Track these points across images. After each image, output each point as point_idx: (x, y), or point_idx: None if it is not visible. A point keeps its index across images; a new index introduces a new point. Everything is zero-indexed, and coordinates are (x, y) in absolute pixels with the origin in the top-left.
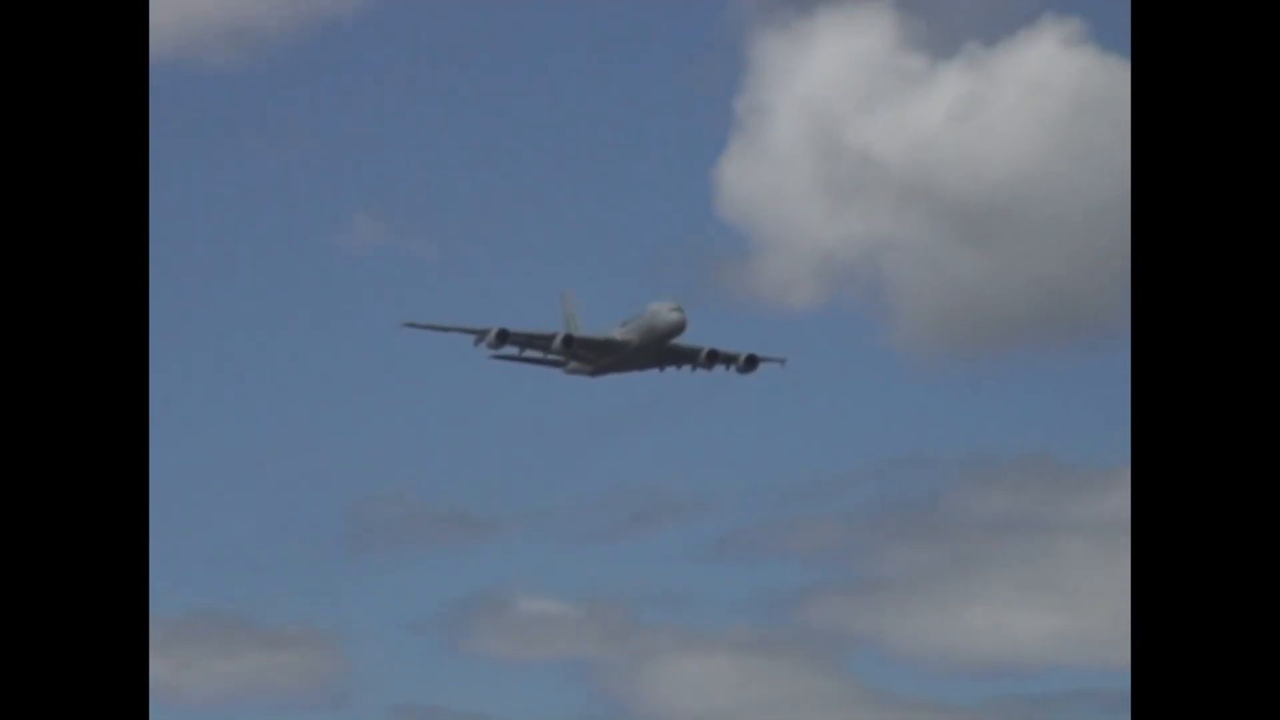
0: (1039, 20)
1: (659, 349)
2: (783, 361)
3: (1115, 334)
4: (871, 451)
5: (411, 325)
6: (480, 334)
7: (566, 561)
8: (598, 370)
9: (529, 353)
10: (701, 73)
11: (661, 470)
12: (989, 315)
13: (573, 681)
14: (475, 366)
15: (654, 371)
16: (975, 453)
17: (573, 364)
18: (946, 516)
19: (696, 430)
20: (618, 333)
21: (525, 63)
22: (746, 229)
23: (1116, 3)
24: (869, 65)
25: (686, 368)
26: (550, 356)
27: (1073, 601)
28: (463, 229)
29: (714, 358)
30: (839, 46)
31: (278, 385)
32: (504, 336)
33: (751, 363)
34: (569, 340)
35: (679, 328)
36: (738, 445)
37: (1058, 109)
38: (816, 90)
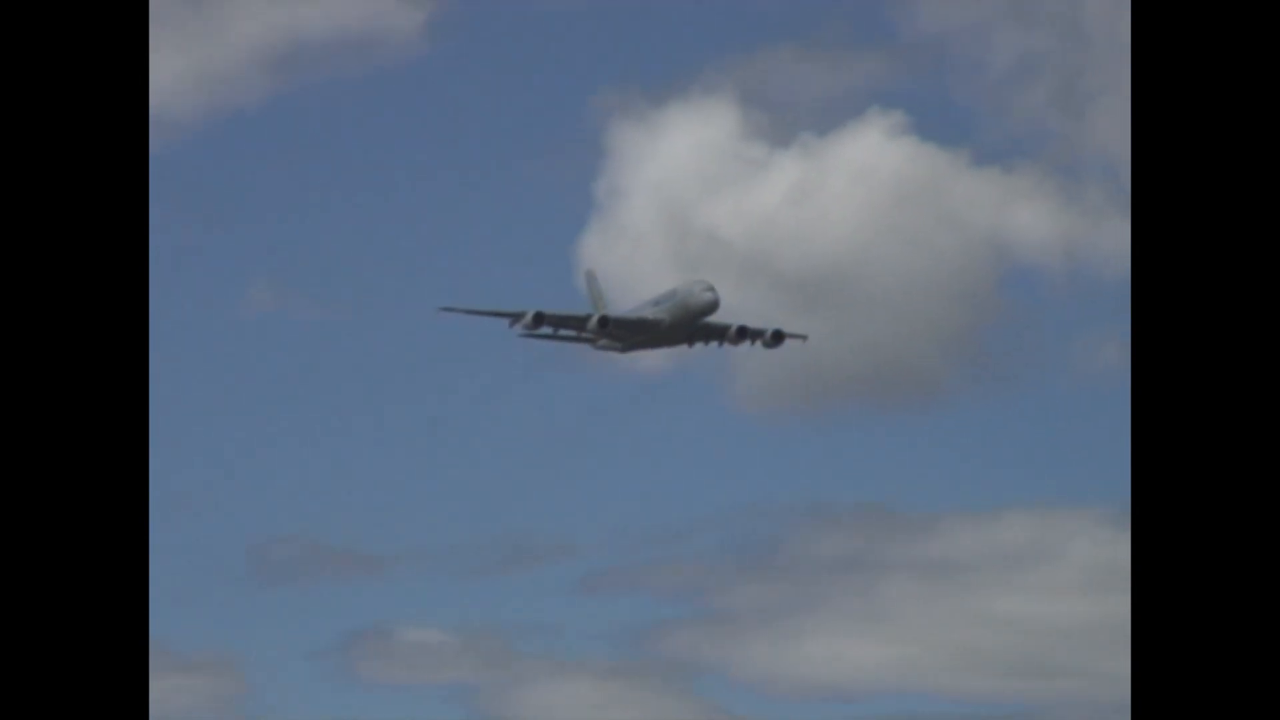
0: (866, 113)
1: (690, 326)
2: (804, 338)
3: (933, 394)
4: (720, 499)
5: (449, 310)
6: (516, 316)
7: (449, 596)
8: (628, 348)
9: (562, 332)
10: (566, 158)
11: (534, 515)
12: (822, 377)
13: (453, 704)
14: (353, 414)
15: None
16: (812, 501)
17: (603, 341)
18: (787, 558)
19: (564, 478)
20: (650, 312)
21: (412, 145)
22: (605, 300)
23: (937, 97)
24: (715, 153)
25: (714, 344)
26: (583, 335)
27: (899, 633)
28: (348, 295)
29: (743, 333)
30: (688, 136)
31: (193, 432)
32: (540, 319)
33: (778, 338)
34: (604, 321)
35: (713, 306)
36: (600, 493)
37: (882, 193)
38: (668, 175)
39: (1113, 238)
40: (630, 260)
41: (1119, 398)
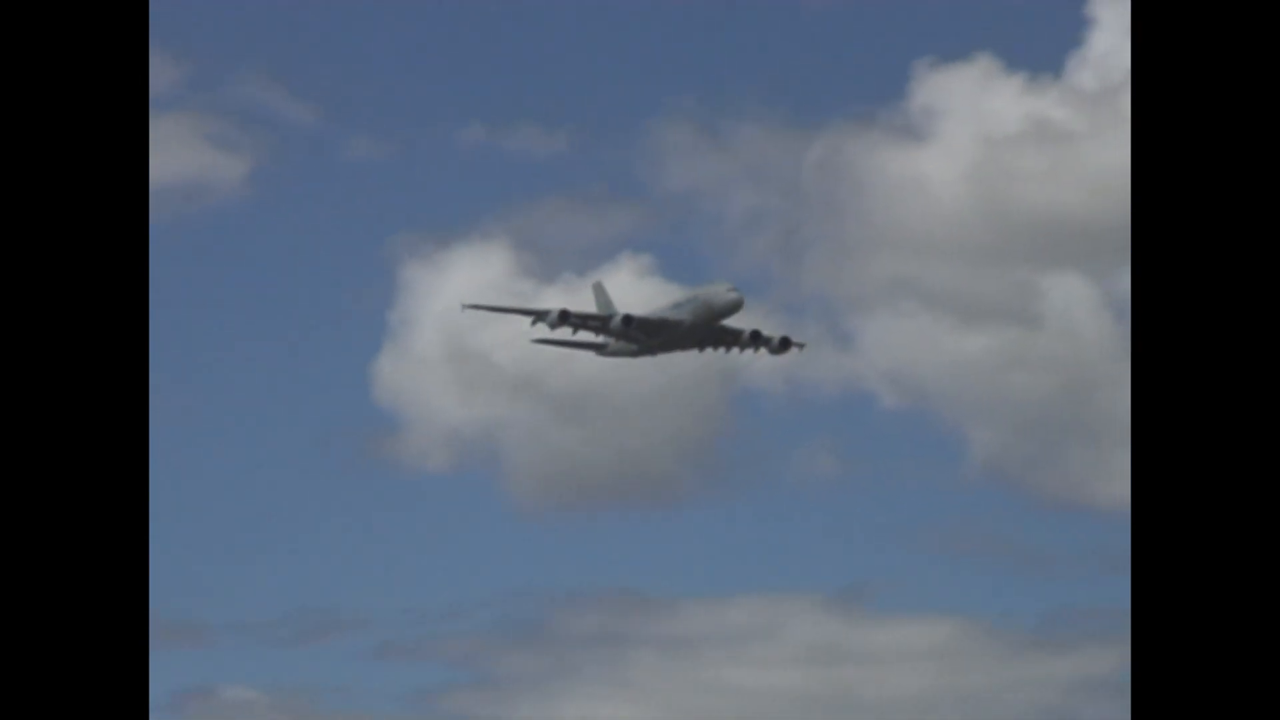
0: (619, 256)
1: (709, 329)
2: (803, 347)
3: (676, 495)
4: (494, 583)
5: (474, 307)
6: (540, 314)
7: (264, 661)
8: (643, 351)
9: (582, 334)
10: (363, 291)
11: (337, 592)
12: (582, 479)
13: None
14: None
15: None
16: (572, 585)
17: (613, 346)
18: (550, 633)
19: (363, 562)
20: (671, 313)
21: (234, 278)
22: (396, 412)
23: (680, 244)
24: (491, 288)
25: (722, 350)
26: (591, 340)
27: (644, 698)
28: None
29: (756, 338)
30: (468, 273)
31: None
32: (565, 316)
33: (785, 344)
34: (628, 319)
35: (737, 306)
36: (393, 576)
37: None
38: (450, 307)
39: (825, 366)
40: (417, 379)
41: (832, 499)
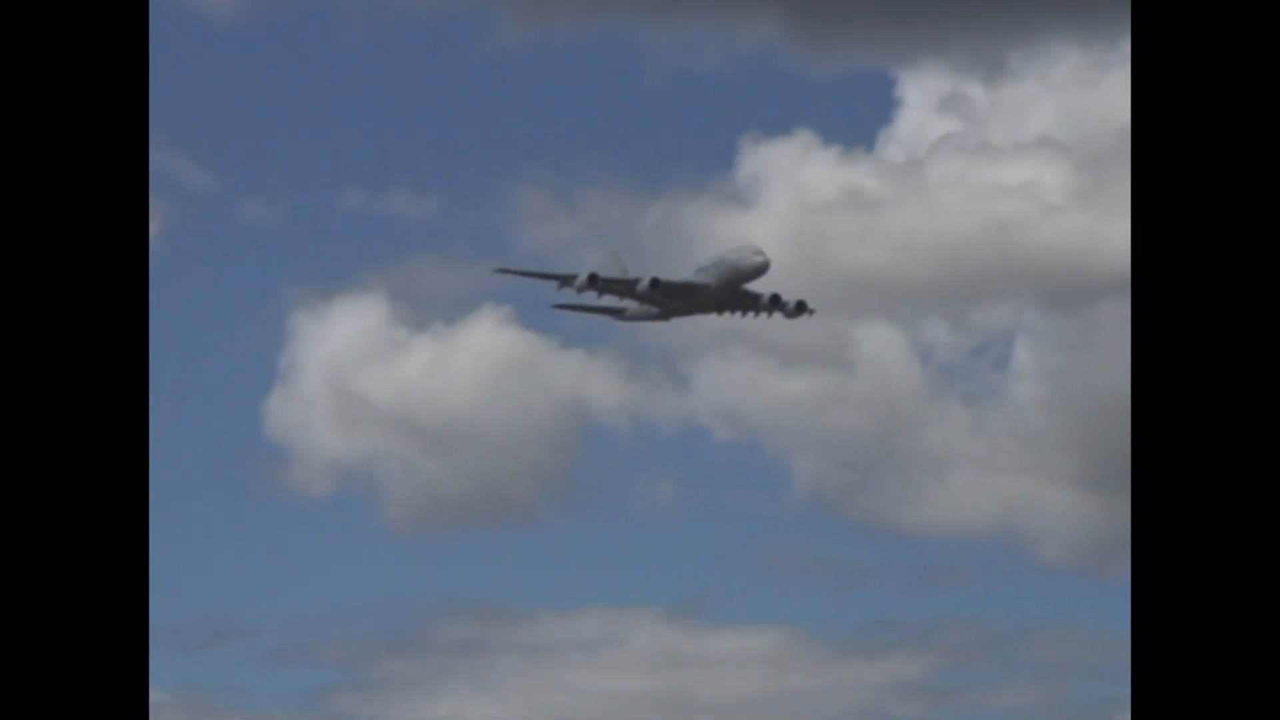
0: (483, 308)
1: (733, 291)
2: (813, 313)
3: (533, 517)
4: (372, 594)
5: (503, 271)
6: (568, 278)
7: (166, 664)
8: (665, 314)
9: (606, 298)
10: (256, 338)
11: (230, 603)
12: (450, 502)
13: None
14: None
15: None
16: (442, 596)
17: (632, 311)
18: (423, 640)
19: (257, 574)
20: (697, 277)
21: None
22: (285, 444)
23: (535, 296)
24: (368, 336)
25: (738, 314)
26: (610, 305)
27: (507, 699)
28: None
29: (775, 301)
30: (349, 323)
31: None
32: (594, 280)
33: (800, 308)
34: (655, 282)
35: (763, 269)
36: (283, 587)
37: (494, 367)
38: (333, 352)
39: (665, 405)
40: (304, 417)
41: (672, 522)
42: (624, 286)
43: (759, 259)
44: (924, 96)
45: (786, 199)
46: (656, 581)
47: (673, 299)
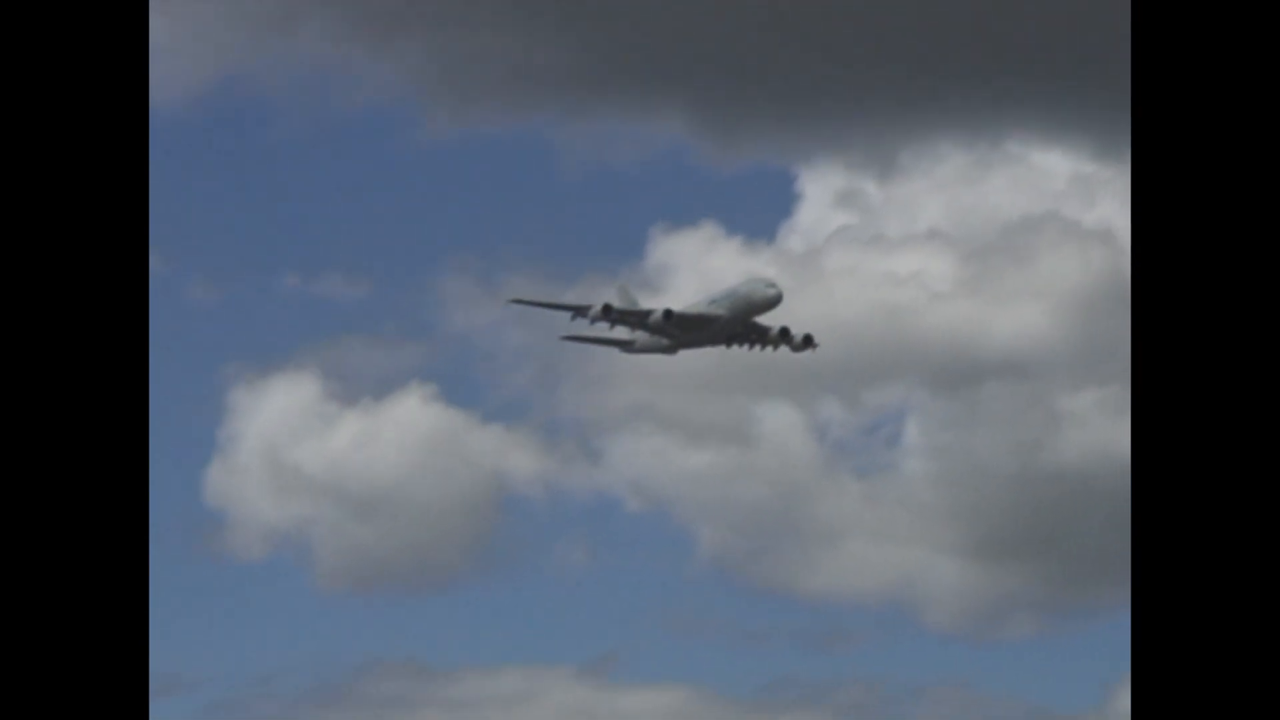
0: (409, 385)
1: (743, 324)
2: (817, 347)
3: (455, 580)
4: (303, 652)
5: (518, 301)
6: (582, 309)
7: None
8: (672, 347)
9: (617, 330)
10: (197, 411)
11: (170, 658)
12: (377, 565)
13: None
14: None
15: None
16: (370, 655)
17: (641, 343)
18: (352, 696)
19: (196, 632)
20: (710, 308)
21: None
22: (223, 511)
23: (460, 375)
24: (302, 411)
25: (745, 347)
26: (618, 338)
27: None
28: None
29: (784, 334)
30: (284, 398)
31: None
32: (608, 311)
33: (807, 341)
34: (669, 314)
35: (775, 301)
36: (220, 644)
37: (419, 440)
38: (269, 425)
39: (579, 476)
40: (242, 486)
41: (585, 585)
42: (637, 318)
43: (772, 291)
44: (821, 192)
45: (693, 286)
46: (570, 641)
47: (684, 331)
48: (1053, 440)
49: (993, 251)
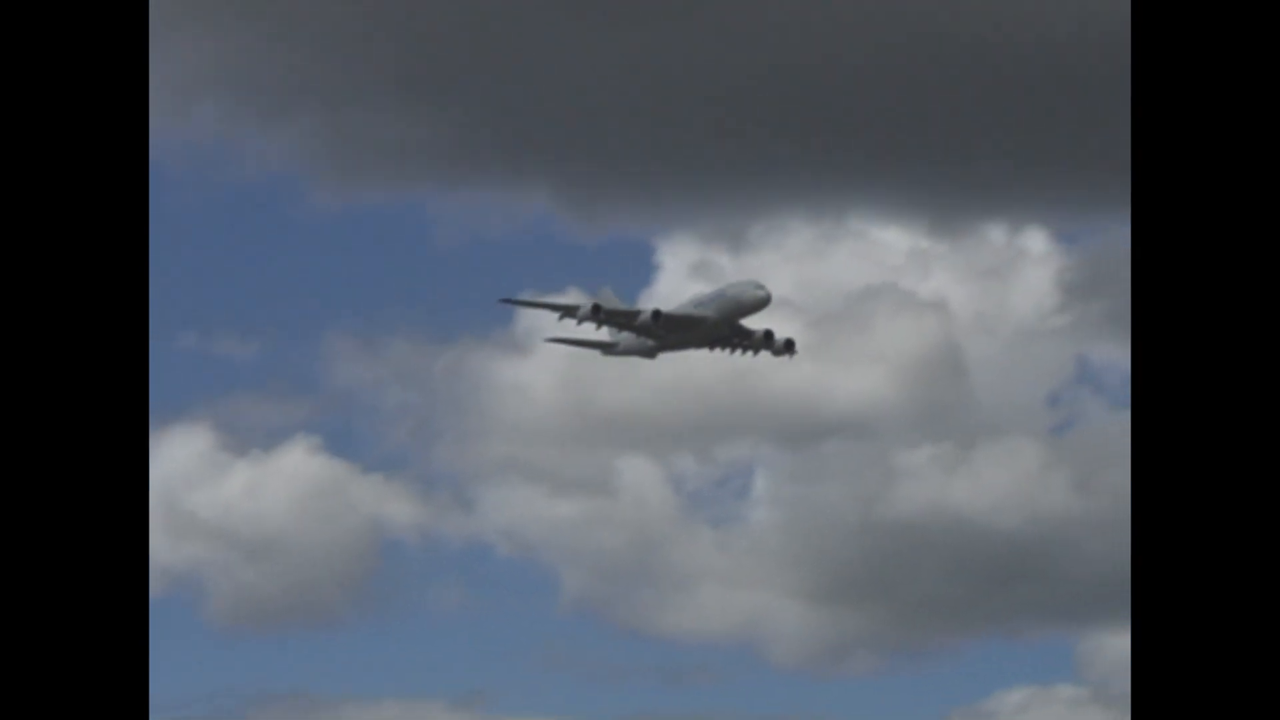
0: (296, 437)
1: (729, 326)
2: (795, 354)
3: (339, 618)
4: (198, 686)
5: (508, 301)
6: (570, 309)
7: None
8: (654, 350)
9: (587, 334)
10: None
11: None
12: (267, 605)
13: None
14: None
15: None
16: (260, 687)
17: (623, 345)
18: None
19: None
20: (697, 310)
21: None
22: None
23: (342, 428)
24: (197, 461)
25: (727, 350)
26: (600, 340)
27: None
28: None
29: (768, 338)
30: (181, 449)
31: None
32: (597, 310)
33: (789, 346)
34: (658, 314)
35: (764, 303)
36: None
37: (306, 488)
38: (166, 474)
39: (454, 524)
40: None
41: (459, 623)
42: (625, 318)
43: (761, 293)
44: (678, 262)
45: (559, 348)
46: (444, 676)
47: (671, 331)
48: (889, 493)
49: (836, 319)
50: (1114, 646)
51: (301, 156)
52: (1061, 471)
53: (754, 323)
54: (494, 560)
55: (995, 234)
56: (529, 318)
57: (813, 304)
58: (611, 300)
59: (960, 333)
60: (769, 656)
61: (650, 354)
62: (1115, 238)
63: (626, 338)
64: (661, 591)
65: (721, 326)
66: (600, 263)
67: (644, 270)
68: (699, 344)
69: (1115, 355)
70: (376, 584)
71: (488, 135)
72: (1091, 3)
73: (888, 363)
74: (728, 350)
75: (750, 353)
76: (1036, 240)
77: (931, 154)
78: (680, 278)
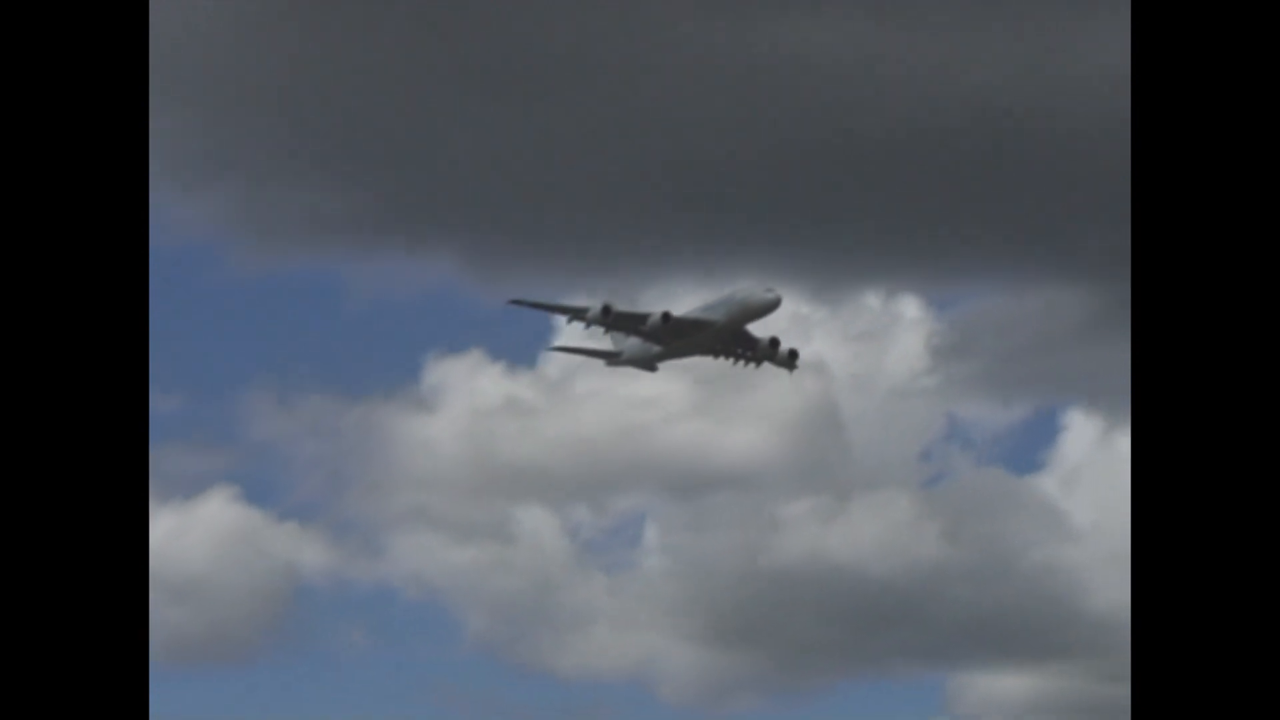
0: (215, 486)
1: (737, 330)
2: (796, 367)
3: (255, 658)
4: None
5: (517, 302)
6: (580, 311)
7: None
8: (658, 357)
9: (593, 343)
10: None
11: None
12: (189, 643)
13: None
14: None
15: None
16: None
17: (627, 354)
18: None
19: None
20: (706, 314)
21: None
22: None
23: (262, 479)
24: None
25: (729, 360)
26: (604, 349)
27: None
28: None
29: (773, 345)
30: None
31: None
32: (608, 312)
33: (793, 356)
34: (667, 317)
35: (774, 305)
36: None
37: (222, 536)
38: None
39: (363, 569)
40: None
41: (367, 662)
42: (635, 320)
43: (770, 295)
44: (574, 325)
45: (462, 405)
46: (353, 711)
47: (680, 335)
48: (771, 542)
49: (721, 379)
50: (981, 684)
51: (220, 224)
52: (932, 522)
53: (759, 330)
54: (400, 603)
55: (872, 300)
56: (434, 373)
57: (697, 364)
58: (621, 303)
59: (838, 392)
60: (660, 694)
61: (652, 364)
62: (984, 304)
63: (631, 345)
64: (558, 633)
65: (730, 330)
66: (501, 325)
67: (542, 332)
68: (704, 350)
69: (983, 413)
70: (290, 624)
71: (396, 206)
72: (965, 78)
73: (769, 420)
74: (730, 360)
75: (753, 364)
76: (910, 306)
77: (814, 226)
78: (579, 338)
